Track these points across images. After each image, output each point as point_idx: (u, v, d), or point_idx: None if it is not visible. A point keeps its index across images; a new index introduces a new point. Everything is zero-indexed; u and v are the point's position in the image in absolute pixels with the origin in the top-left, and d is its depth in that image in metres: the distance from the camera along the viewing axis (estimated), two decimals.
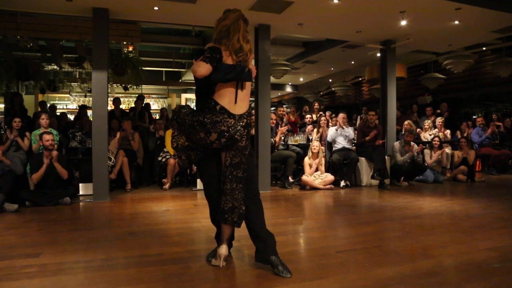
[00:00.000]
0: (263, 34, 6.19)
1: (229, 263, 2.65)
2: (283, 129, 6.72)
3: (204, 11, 5.48)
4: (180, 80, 12.65)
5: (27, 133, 5.52)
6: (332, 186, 6.28)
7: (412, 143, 6.75)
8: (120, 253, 2.90)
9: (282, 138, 6.87)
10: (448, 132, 8.19)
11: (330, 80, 12.81)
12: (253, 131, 6.15)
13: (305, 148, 7.02)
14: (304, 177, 6.23)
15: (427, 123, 8.16)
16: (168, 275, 2.44)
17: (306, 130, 7.74)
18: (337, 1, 5.22)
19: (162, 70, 12.24)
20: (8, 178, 4.78)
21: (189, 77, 11.71)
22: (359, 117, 10.39)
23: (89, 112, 8.25)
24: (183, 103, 12.74)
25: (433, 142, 7.24)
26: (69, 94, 11.40)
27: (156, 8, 5.40)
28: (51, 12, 5.72)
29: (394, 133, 7.48)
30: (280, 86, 14.22)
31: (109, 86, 6.77)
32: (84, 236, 3.47)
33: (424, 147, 7.25)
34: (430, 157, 7.13)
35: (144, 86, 10.57)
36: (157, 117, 8.57)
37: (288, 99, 16.56)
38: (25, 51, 7.36)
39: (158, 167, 6.58)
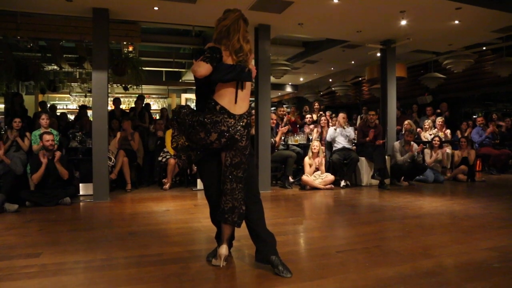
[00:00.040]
0: (263, 34, 6.19)
1: (229, 263, 2.65)
2: (283, 129, 6.71)
3: (204, 11, 5.49)
4: (180, 80, 12.64)
5: (27, 133, 5.52)
6: (332, 186, 6.29)
7: (412, 143, 6.74)
8: (120, 253, 2.91)
9: (282, 138, 6.87)
10: (448, 131, 8.19)
11: (330, 80, 12.81)
12: (253, 131, 6.14)
13: (305, 148, 7.02)
14: (304, 177, 6.23)
15: (427, 122, 8.15)
16: (168, 275, 2.44)
17: (305, 129, 7.72)
18: (337, 1, 5.22)
19: (162, 70, 12.23)
20: (8, 178, 4.79)
21: (189, 77, 11.70)
22: (359, 117, 10.39)
23: (89, 112, 8.26)
24: (183, 103, 12.73)
25: (433, 142, 7.24)
26: (69, 94, 11.39)
27: (156, 8, 5.41)
28: (51, 12, 5.73)
29: (394, 133, 7.47)
30: (280, 86, 14.20)
31: (109, 86, 6.76)
32: (84, 236, 3.47)
33: (425, 147, 7.25)
34: (430, 157, 7.14)
35: (144, 86, 10.55)
36: (157, 117, 8.57)
37: (288, 99, 16.55)
38: (25, 51, 7.36)
39: (158, 167, 6.59)
